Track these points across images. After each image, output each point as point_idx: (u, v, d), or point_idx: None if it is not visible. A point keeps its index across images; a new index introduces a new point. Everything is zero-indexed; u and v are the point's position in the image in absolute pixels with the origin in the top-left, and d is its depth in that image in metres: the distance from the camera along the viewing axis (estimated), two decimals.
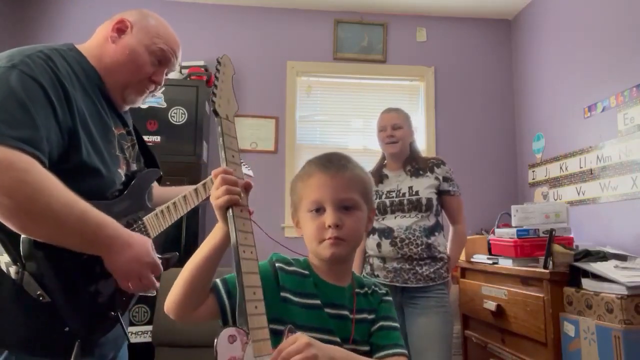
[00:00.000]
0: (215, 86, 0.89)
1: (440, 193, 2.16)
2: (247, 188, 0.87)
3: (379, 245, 2.10)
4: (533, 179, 3.34)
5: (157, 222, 1.17)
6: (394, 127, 2.19)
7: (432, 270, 2.05)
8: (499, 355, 2.35)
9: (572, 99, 2.92)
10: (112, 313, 1.05)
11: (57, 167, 0.95)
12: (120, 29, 1.15)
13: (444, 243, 2.15)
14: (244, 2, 3.53)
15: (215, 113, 0.87)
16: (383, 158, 2.31)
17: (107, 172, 1.06)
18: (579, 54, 2.88)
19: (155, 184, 1.43)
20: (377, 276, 2.10)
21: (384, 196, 2.17)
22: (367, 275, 2.14)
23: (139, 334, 2.65)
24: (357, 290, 0.99)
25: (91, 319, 1.01)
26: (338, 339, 0.90)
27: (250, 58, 3.52)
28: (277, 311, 0.88)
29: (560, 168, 3.00)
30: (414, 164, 2.20)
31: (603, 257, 2.00)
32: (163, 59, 1.18)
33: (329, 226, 0.90)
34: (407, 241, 2.05)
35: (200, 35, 3.46)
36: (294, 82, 3.54)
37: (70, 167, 0.98)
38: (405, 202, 2.10)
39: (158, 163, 1.33)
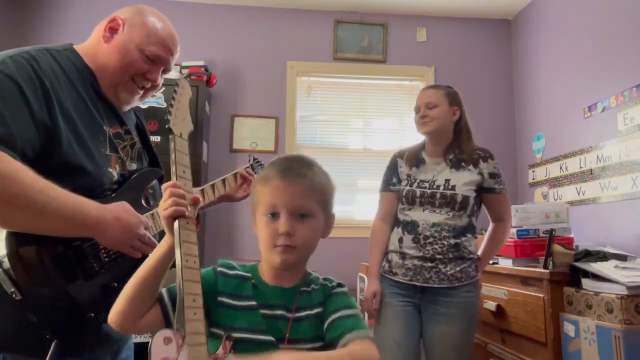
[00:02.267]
0: (171, 105, 0.92)
1: (483, 190, 1.90)
2: (195, 202, 0.89)
3: (400, 240, 1.88)
4: (533, 179, 3.34)
5: (153, 222, 1.15)
6: (427, 105, 1.91)
7: (457, 269, 1.80)
8: (499, 355, 2.35)
9: (572, 99, 2.91)
10: (92, 314, 1.02)
11: (38, 165, 0.95)
12: (113, 28, 1.15)
13: (475, 244, 1.90)
14: (243, 2, 3.53)
15: (170, 130, 0.89)
16: (424, 140, 2.02)
17: (95, 171, 1.05)
18: (579, 54, 2.88)
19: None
20: (396, 274, 1.88)
21: (415, 184, 1.91)
22: (385, 274, 1.93)
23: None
24: (302, 289, 0.97)
25: (63, 319, 0.99)
26: (272, 338, 0.89)
27: (250, 58, 3.52)
28: (215, 315, 0.91)
29: (560, 168, 3.00)
30: (458, 152, 1.91)
31: (603, 257, 2.00)
32: (156, 59, 1.16)
33: (281, 234, 0.90)
34: (431, 239, 1.81)
35: (200, 35, 3.46)
36: (294, 82, 3.54)
37: (52, 165, 0.98)
38: (437, 195, 1.84)
39: (160, 163, 1.32)
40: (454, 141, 1.94)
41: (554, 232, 2.10)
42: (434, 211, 1.85)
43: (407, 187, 1.92)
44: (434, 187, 1.88)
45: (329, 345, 0.90)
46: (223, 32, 3.53)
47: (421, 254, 1.82)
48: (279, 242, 0.90)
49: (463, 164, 1.90)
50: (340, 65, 3.59)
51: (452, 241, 1.81)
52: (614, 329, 1.69)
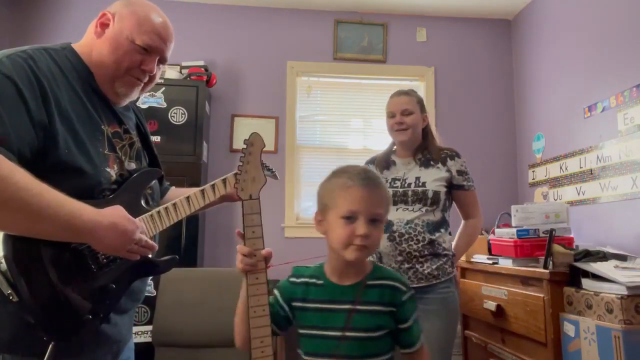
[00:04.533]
0: (239, 171, 1.05)
1: (453, 187, 1.98)
2: (267, 257, 1.06)
3: None
4: (533, 179, 3.34)
5: (152, 223, 1.14)
6: (403, 112, 2.00)
7: (434, 267, 1.85)
8: (499, 355, 2.35)
9: (572, 99, 2.91)
10: (89, 316, 1.02)
11: (35, 165, 0.95)
12: (103, 23, 1.14)
13: (449, 240, 1.97)
14: (244, 2, 3.53)
15: (239, 197, 1.04)
16: (393, 144, 2.13)
17: (92, 171, 1.04)
18: (579, 54, 2.88)
19: (173, 185, 1.43)
20: None
21: (387, 185, 1.96)
22: None
23: (139, 334, 2.65)
24: (369, 282, 1.10)
25: (61, 321, 0.99)
26: (334, 333, 1.06)
27: (250, 58, 3.52)
28: (294, 318, 1.13)
29: (560, 168, 3.00)
30: (426, 152, 2.02)
31: (603, 257, 2.00)
32: (149, 48, 1.15)
33: (360, 235, 1.03)
34: (406, 236, 1.86)
35: (200, 35, 3.46)
36: (294, 82, 3.54)
37: (49, 165, 0.98)
38: (409, 193, 1.92)
39: (159, 162, 1.32)
40: (422, 143, 2.05)
41: (554, 232, 2.11)
42: (407, 209, 1.92)
43: None
44: (406, 185, 1.96)
45: (404, 346, 1.12)
46: (223, 32, 3.53)
47: (397, 251, 1.87)
48: (357, 242, 1.03)
49: (432, 162, 2.00)
50: (340, 65, 3.59)
51: (427, 237, 1.87)
52: (614, 329, 1.69)
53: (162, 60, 1.20)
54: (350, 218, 1.04)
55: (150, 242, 1.08)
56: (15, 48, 1.03)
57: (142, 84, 1.19)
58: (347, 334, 1.05)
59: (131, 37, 1.12)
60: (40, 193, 0.91)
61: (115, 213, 1.01)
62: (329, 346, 1.06)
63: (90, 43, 1.15)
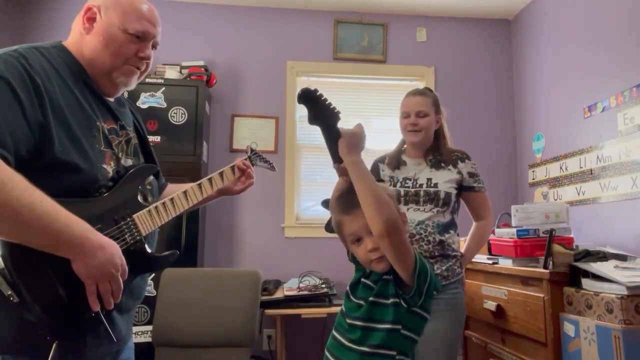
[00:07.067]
0: None
1: (463, 189, 1.99)
2: None
3: None
4: (533, 179, 3.34)
5: (149, 219, 1.14)
6: (418, 114, 1.98)
7: (444, 268, 1.86)
8: (499, 355, 2.35)
9: (572, 99, 2.92)
10: (91, 314, 1.01)
11: (31, 163, 0.94)
12: (90, 18, 1.13)
13: (458, 241, 1.97)
14: (243, 2, 3.53)
15: None
16: (403, 142, 2.11)
17: (88, 168, 1.03)
18: (579, 54, 2.88)
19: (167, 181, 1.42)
20: None
21: (398, 184, 1.99)
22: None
23: (139, 334, 2.65)
24: (384, 277, 1.15)
25: (63, 320, 0.98)
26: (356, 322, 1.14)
27: (250, 58, 3.52)
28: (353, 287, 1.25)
29: (560, 168, 3.00)
30: (437, 154, 2.02)
31: (603, 257, 2.00)
32: (142, 35, 1.14)
33: (371, 250, 1.13)
34: (417, 237, 1.86)
35: (200, 35, 3.46)
36: (294, 82, 3.54)
37: (44, 163, 0.97)
38: (421, 193, 1.92)
39: (155, 159, 1.31)
40: (433, 145, 2.04)
41: (554, 232, 2.11)
42: (419, 209, 1.91)
43: (390, 188, 1.98)
44: (417, 185, 1.96)
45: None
46: (223, 32, 3.53)
47: None
48: (373, 256, 1.13)
49: (442, 164, 2.00)
50: (340, 65, 3.59)
51: (437, 238, 1.88)
52: (614, 329, 1.69)
53: (155, 45, 1.20)
54: (358, 240, 1.16)
55: (119, 293, 1.02)
56: (5, 48, 1.02)
57: (140, 72, 1.19)
58: (364, 323, 1.14)
59: (123, 27, 1.12)
60: (33, 204, 0.89)
61: (109, 240, 1.01)
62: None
63: (80, 40, 1.14)
